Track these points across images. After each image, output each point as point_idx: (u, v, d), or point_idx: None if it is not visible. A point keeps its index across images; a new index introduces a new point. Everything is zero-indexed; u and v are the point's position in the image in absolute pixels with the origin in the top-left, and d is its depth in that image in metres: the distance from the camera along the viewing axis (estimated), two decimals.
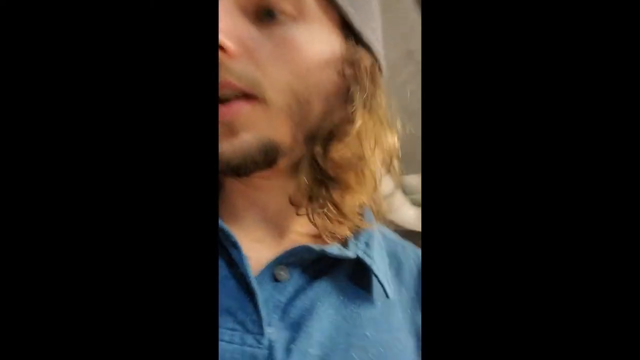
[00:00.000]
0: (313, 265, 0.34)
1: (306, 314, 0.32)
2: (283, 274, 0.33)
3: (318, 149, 0.33)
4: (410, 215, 1.71)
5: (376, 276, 0.35)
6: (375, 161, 0.34)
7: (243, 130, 0.31)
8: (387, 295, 0.36)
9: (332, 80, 0.33)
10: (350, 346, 0.31)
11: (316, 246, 0.33)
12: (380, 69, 0.36)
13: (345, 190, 0.34)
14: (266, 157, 0.32)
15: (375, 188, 0.35)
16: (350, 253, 0.35)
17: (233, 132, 0.31)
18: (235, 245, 0.33)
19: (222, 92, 0.31)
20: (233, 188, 0.38)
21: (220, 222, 0.34)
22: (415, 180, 1.72)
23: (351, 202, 0.35)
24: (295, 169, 0.35)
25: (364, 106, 0.33)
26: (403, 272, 0.40)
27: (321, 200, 0.33)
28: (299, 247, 0.33)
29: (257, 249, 0.35)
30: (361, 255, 0.35)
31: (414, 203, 1.74)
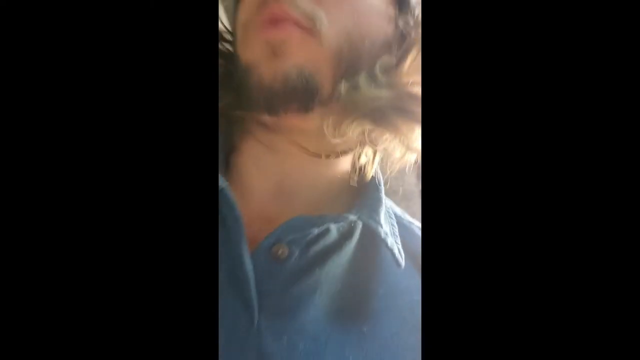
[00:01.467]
0: (316, 239, 0.31)
1: (302, 304, 0.30)
2: (281, 250, 0.30)
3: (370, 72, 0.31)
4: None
5: (385, 242, 0.33)
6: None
7: (286, 55, 0.29)
8: (398, 264, 0.33)
9: (383, 29, 0.32)
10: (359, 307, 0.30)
11: (315, 216, 0.31)
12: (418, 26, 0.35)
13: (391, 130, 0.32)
14: (305, 92, 0.30)
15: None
16: (352, 216, 0.32)
17: (276, 54, 0.29)
18: (237, 219, 0.31)
19: (277, 20, 0.29)
20: (251, 153, 0.36)
21: (228, 191, 0.31)
22: None
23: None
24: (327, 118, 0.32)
25: (413, 54, 0.32)
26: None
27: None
28: (292, 219, 0.30)
29: (260, 224, 0.32)
30: (365, 220, 0.33)
31: None
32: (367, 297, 0.32)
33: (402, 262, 0.33)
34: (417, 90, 0.32)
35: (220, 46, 0.38)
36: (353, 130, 0.31)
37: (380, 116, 0.31)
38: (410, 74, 0.32)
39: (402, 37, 0.33)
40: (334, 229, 0.31)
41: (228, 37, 0.38)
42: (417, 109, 0.31)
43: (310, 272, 0.30)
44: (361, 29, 0.31)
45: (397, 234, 0.36)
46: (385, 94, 0.31)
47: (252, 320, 0.28)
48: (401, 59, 0.33)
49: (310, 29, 0.29)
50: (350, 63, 0.31)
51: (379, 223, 0.33)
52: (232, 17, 0.36)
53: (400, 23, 0.33)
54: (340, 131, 0.31)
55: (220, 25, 0.39)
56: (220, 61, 0.36)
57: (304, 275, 0.30)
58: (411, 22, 0.33)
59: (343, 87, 0.31)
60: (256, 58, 0.30)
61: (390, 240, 0.33)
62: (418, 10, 0.35)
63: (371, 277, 0.33)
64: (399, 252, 0.34)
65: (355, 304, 0.32)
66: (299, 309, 0.30)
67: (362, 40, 0.31)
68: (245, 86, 0.31)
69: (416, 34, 0.33)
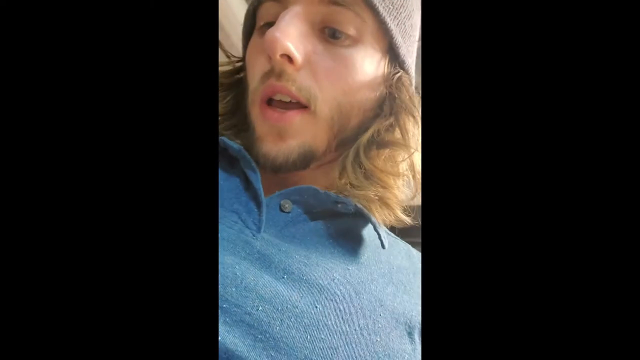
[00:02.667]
0: (317, 209, 0.38)
1: (296, 240, 0.36)
2: (287, 205, 0.36)
3: (362, 150, 0.38)
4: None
5: (373, 224, 0.37)
6: (414, 165, 0.39)
7: (290, 137, 0.36)
8: (382, 246, 0.38)
9: (372, 97, 0.38)
10: (325, 276, 0.34)
11: (321, 189, 0.37)
12: (412, 85, 0.41)
13: (386, 186, 0.38)
14: (304, 161, 0.37)
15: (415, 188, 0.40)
16: (349, 201, 0.37)
17: (282, 137, 0.36)
18: (252, 168, 0.37)
19: (281, 97, 0.35)
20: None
21: (241, 148, 0.38)
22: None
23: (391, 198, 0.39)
24: (318, 168, 0.40)
25: (406, 119, 0.38)
26: (401, 260, 0.41)
27: (362, 189, 0.38)
28: (305, 186, 0.37)
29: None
30: (360, 208, 0.37)
31: None
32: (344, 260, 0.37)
33: (386, 244, 0.38)
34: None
35: (231, 67, 0.45)
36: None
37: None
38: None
39: (391, 98, 0.39)
40: (334, 205, 0.38)
41: (238, 64, 0.45)
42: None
43: (303, 225, 0.37)
44: (352, 98, 0.37)
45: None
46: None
47: (258, 229, 0.35)
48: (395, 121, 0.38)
49: (307, 107, 0.35)
50: (342, 127, 0.37)
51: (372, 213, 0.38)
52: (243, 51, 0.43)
53: (387, 90, 0.39)
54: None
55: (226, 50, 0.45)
56: (223, 90, 0.43)
57: (297, 227, 0.37)
58: (401, 82, 0.39)
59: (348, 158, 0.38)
60: (263, 133, 0.37)
61: (380, 228, 0.38)
62: (412, 78, 0.40)
63: (353, 249, 0.38)
64: (385, 236, 0.38)
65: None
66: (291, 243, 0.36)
67: (351, 107, 0.37)
68: (252, 148, 0.38)
69: (407, 94, 0.39)
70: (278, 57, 0.33)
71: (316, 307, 0.31)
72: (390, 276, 0.37)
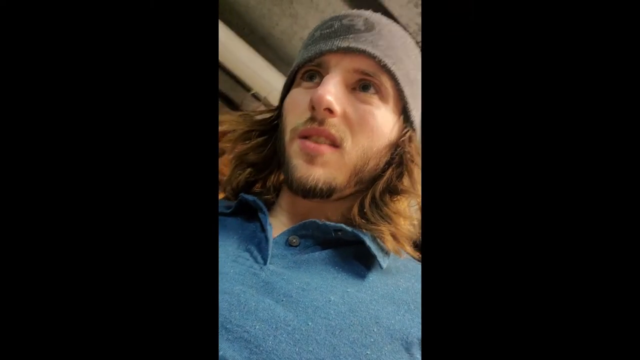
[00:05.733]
0: (324, 239, 0.44)
1: (302, 269, 0.42)
2: (295, 240, 0.44)
3: (377, 195, 0.46)
4: None
5: (368, 247, 0.43)
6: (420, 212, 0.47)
7: (320, 165, 0.44)
8: (380, 266, 0.43)
9: (387, 146, 0.47)
10: (327, 301, 0.38)
11: (320, 221, 0.44)
12: (418, 139, 0.51)
13: (397, 225, 0.45)
14: (328, 190, 0.45)
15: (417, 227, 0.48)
16: (348, 228, 0.44)
17: (313, 163, 0.45)
18: (263, 212, 0.47)
19: (320, 136, 0.44)
20: (289, 199, 0.51)
21: (255, 198, 0.48)
22: None
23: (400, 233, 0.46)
24: (337, 201, 0.48)
25: (415, 170, 0.47)
26: (410, 282, 0.45)
27: (378, 225, 0.45)
28: (308, 220, 0.44)
29: (283, 228, 0.47)
30: (357, 231, 0.44)
31: None
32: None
33: (384, 265, 0.44)
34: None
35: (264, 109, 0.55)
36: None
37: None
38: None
39: (402, 150, 0.48)
40: (335, 233, 0.44)
41: (273, 112, 0.55)
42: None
43: (310, 255, 0.43)
44: (372, 145, 0.46)
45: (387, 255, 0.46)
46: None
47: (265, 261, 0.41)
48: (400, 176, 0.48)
49: (338, 147, 0.44)
50: (362, 168, 0.46)
51: (367, 237, 0.44)
52: (283, 95, 0.53)
53: (399, 142, 0.48)
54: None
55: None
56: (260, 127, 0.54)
57: (304, 258, 0.43)
58: (409, 138, 0.48)
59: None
60: (299, 162, 0.45)
61: (374, 248, 0.44)
62: (418, 135, 0.50)
63: (357, 273, 0.43)
64: (382, 257, 0.44)
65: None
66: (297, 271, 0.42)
67: (372, 153, 0.46)
68: (287, 176, 0.47)
69: (415, 152, 0.48)
70: (322, 109, 0.43)
71: (308, 324, 0.35)
72: (393, 296, 0.41)
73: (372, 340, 0.35)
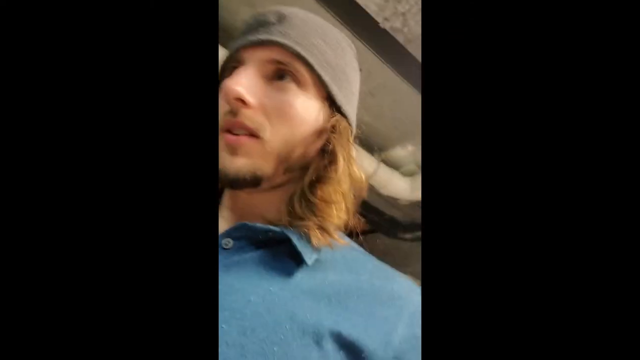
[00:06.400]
0: (257, 240, 0.46)
1: (231, 271, 0.43)
2: (228, 243, 0.45)
3: (306, 188, 0.47)
4: (402, 186, 1.75)
5: (293, 244, 0.44)
6: (350, 197, 0.49)
7: (241, 155, 0.45)
8: (305, 262, 0.44)
9: (313, 136, 0.48)
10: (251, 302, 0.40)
11: (250, 223, 0.46)
12: (351, 131, 0.52)
13: (325, 215, 0.47)
14: (253, 179, 0.46)
15: (347, 212, 0.49)
16: (276, 228, 0.45)
17: (234, 154, 0.45)
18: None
19: (236, 128, 0.45)
20: (230, 195, 0.53)
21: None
22: (400, 153, 1.76)
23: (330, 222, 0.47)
24: (273, 190, 0.49)
25: (340, 157, 0.48)
26: (341, 275, 0.47)
27: (305, 220, 0.46)
28: (239, 223, 0.46)
29: (225, 225, 0.49)
30: (285, 229, 0.45)
31: (404, 174, 1.78)
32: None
33: (310, 261, 0.45)
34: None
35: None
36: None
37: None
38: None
39: (329, 137, 0.48)
40: (266, 234, 0.46)
41: None
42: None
43: (241, 257, 0.46)
44: (295, 133, 0.47)
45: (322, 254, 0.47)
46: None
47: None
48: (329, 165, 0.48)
49: (258, 137, 0.45)
50: (287, 157, 0.47)
51: (295, 234, 0.46)
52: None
53: (326, 131, 0.49)
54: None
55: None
56: None
57: (235, 260, 0.45)
58: (337, 124, 0.49)
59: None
60: (222, 154, 0.46)
61: (300, 245, 0.45)
62: (352, 120, 0.51)
63: (286, 271, 0.45)
64: (307, 253, 0.45)
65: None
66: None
67: (295, 142, 0.47)
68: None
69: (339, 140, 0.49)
70: (232, 99, 0.44)
71: (222, 327, 0.37)
72: (315, 291, 0.43)
73: (281, 337, 0.38)
